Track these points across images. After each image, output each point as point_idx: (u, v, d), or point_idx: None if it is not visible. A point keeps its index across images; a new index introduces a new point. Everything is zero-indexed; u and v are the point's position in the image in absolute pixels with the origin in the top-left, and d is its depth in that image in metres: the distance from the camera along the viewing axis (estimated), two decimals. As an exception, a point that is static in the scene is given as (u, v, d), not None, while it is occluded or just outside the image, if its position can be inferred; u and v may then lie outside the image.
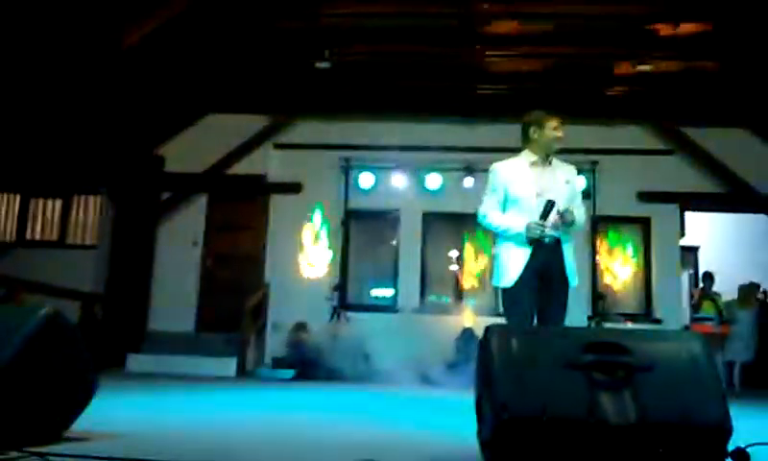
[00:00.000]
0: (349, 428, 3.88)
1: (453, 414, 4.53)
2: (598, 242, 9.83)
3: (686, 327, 9.54)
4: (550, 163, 3.76)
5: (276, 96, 10.20)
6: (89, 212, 10.48)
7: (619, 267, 10.00)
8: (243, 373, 8.94)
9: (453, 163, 9.77)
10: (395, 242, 10.13)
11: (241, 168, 10.35)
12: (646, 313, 9.69)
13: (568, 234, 3.69)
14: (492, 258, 3.92)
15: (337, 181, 10.10)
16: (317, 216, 9.93)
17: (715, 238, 11.36)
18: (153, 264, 10.19)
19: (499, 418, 2.23)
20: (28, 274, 8.70)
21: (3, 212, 10.67)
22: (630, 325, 9.02)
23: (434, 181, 9.88)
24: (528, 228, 3.57)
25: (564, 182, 3.73)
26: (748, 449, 2.37)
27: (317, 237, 9.89)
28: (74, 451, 2.43)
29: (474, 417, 2.60)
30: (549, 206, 3.54)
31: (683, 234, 10.07)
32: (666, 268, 9.75)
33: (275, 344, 9.54)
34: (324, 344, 8.72)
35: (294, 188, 10.11)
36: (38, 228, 10.55)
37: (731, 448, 2.31)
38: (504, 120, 8.43)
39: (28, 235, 10.51)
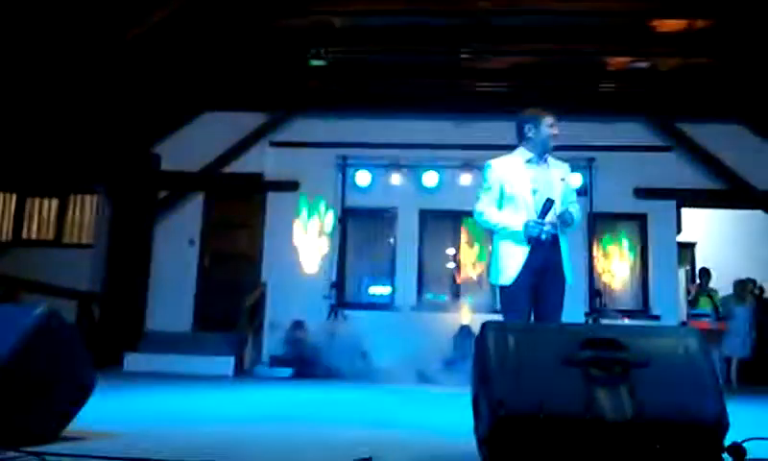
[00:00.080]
0: (347, 426, 3.88)
1: (451, 411, 4.55)
2: (595, 239, 9.84)
3: (684, 324, 9.56)
4: (545, 161, 3.77)
5: (272, 94, 10.19)
6: (86, 211, 10.46)
7: (616, 264, 10.02)
8: (241, 371, 8.94)
9: (450, 161, 9.77)
10: (392, 240, 10.14)
11: (237, 166, 10.34)
12: (643, 309, 9.70)
13: (565, 233, 3.70)
14: (490, 256, 3.92)
15: (334, 179, 10.10)
16: (321, 210, 9.95)
17: (712, 234, 11.39)
18: (150, 263, 10.17)
19: (496, 415, 2.23)
20: (25, 273, 8.69)
21: (-1, 212, 10.66)
22: (627, 321, 9.04)
23: (431, 178, 9.88)
24: (527, 226, 3.57)
25: (560, 180, 3.74)
26: (744, 445, 2.37)
27: (321, 233, 9.90)
28: (71, 451, 2.43)
29: (471, 414, 2.60)
30: (548, 204, 3.54)
31: (679, 231, 10.08)
32: (663, 264, 9.75)
33: (272, 342, 9.54)
34: (322, 342, 8.73)
35: (291, 186, 10.11)
36: (35, 227, 10.53)
37: (727, 443, 2.31)
38: (501, 117, 8.42)
39: (24, 235, 10.49)
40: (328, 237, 9.97)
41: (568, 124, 4.03)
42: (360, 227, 10.25)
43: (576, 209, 3.77)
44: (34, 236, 10.47)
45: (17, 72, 7.65)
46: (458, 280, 9.98)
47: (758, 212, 10.10)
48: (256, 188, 10.28)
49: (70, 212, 10.48)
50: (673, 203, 9.86)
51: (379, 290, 10.11)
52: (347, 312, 9.49)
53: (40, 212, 10.55)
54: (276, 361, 9.08)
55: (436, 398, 6.20)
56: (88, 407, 2.97)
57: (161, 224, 10.35)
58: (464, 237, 10.06)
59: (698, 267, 10.65)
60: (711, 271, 9.86)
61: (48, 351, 2.75)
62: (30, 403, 2.66)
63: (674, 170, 9.77)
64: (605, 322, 8.41)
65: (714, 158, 9.70)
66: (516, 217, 3.64)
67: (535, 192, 3.65)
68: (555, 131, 3.74)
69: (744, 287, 9.60)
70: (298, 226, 9.95)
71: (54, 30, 7.31)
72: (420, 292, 9.88)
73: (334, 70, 9.39)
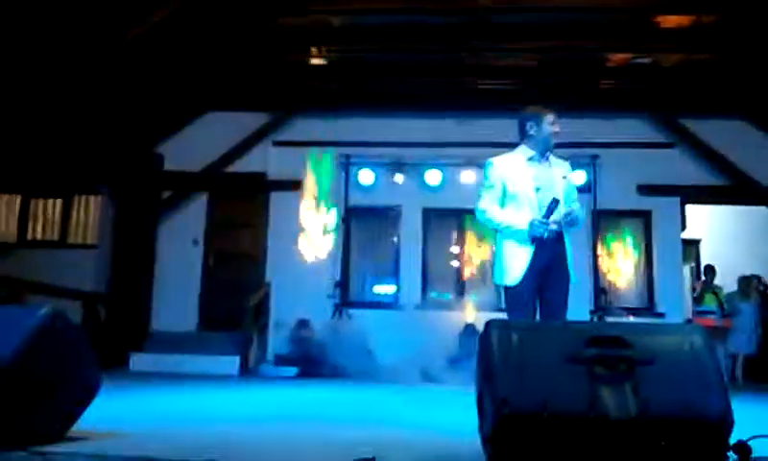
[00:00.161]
0: (351, 425, 3.88)
1: (455, 410, 4.54)
2: (599, 236, 9.82)
3: (689, 321, 9.54)
4: (547, 159, 3.76)
5: (274, 93, 10.19)
6: (90, 212, 10.47)
7: (621, 261, 9.99)
8: (246, 371, 8.95)
9: (452, 159, 9.76)
10: (395, 239, 10.14)
11: (240, 166, 10.35)
12: (648, 307, 9.67)
13: (568, 231, 3.69)
14: (493, 255, 3.91)
15: (337, 179, 10.10)
16: (322, 208, 9.96)
17: (717, 231, 11.35)
18: (154, 263, 10.19)
19: (500, 413, 2.23)
20: (29, 274, 8.70)
21: (4, 213, 10.65)
22: (632, 319, 9.02)
23: (434, 176, 9.87)
24: (532, 225, 3.56)
25: (561, 178, 3.73)
26: (750, 442, 2.37)
27: (325, 230, 9.90)
28: (77, 451, 2.44)
29: (476, 412, 2.60)
30: (553, 204, 3.53)
31: (684, 227, 10.05)
32: (668, 261, 9.72)
33: (277, 342, 9.55)
34: (327, 341, 8.74)
35: (294, 185, 10.11)
36: (39, 228, 10.54)
37: (732, 440, 2.31)
38: (503, 115, 8.41)
39: (29, 236, 10.50)
40: (333, 234, 9.94)
41: (571, 121, 4.02)
42: (363, 226, 10.25)
43: (579, 208, 3.76)
44: (38, 237, 10.48)
45: (20, 74, 7.67)
46: (462, 278, 9.97)
47: (763, 208, 10.07)
48: (260, 188, 10.29)
49: (74, 213, 10.49)
50: (677, 199, 9.82)
51: (384, 289, 10.11)
52: (351, 311, 9.50)
53: (45, 213, 10.56)
54: (281, 360, 9.09)
55: (440, 396, 6.19)
56: (94, 407, 2.97)
57: (165, 224, 10.37)
58: (467, 235, 10.05)
59: (703, 264, 10.63)
60: (716, 267, 9.84)
61: (52, 351, 2.75)
62: (34, 404, 2.67)
63: (677, 167, 9.74)
64: (610, 319, 8.40)
65: (718, 155, 9.67)
66: (519, 216, 3.63)
67: (538, 190, 3.64)
68: (556, 128, 3.73)
69: (749, 284, 9.57)
70: (301, 224, 9.93)
71: (55, 31, 7.32)
72: (424, 290, 9.87)
73: (333, 69, 9.37)
